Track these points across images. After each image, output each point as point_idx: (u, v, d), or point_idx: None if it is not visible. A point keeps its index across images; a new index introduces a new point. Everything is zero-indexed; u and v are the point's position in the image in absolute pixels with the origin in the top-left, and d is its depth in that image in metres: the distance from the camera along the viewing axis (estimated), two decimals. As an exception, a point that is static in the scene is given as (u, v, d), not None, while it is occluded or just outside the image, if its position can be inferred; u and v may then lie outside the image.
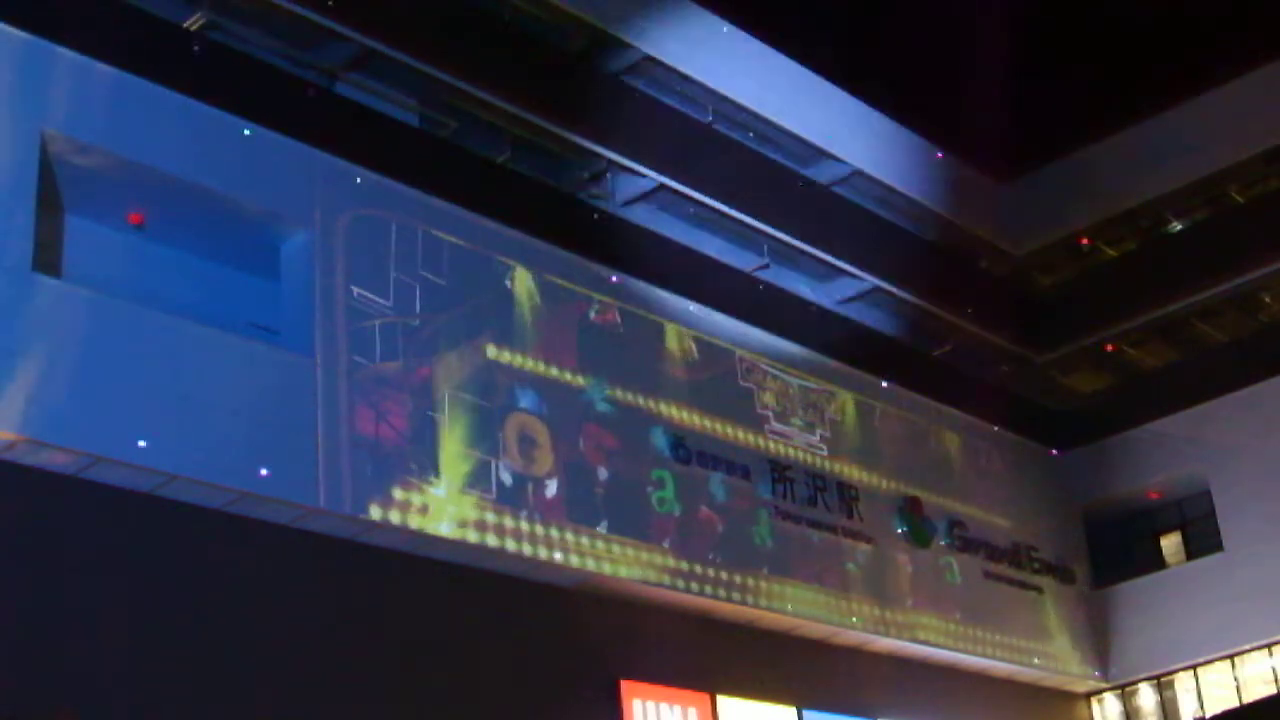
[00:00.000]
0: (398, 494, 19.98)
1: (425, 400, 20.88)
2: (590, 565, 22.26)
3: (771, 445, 26.49)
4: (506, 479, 21.50)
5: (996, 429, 32.65)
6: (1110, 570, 33.63)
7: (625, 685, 22.58)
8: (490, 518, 21.05)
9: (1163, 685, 32.12)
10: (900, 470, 29.31)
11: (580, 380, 23.36)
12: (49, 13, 18.36)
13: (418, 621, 20.29)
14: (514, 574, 21.60)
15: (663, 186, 26.92)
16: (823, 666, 26.18)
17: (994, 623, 29.82)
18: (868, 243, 30.85)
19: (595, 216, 25.95)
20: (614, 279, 24.80)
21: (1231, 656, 31.14)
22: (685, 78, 27.77)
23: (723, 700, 23.92)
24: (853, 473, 28.05)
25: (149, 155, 18.88)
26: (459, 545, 20.71)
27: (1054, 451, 34.27)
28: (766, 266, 29.49)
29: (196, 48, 20.26)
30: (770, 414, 26.82)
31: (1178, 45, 33.35)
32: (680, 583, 23.57)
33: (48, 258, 18.22)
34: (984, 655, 29.26)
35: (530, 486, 21.78)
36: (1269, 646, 30.81)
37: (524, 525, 21.42)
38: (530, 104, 24.61)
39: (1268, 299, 33.76)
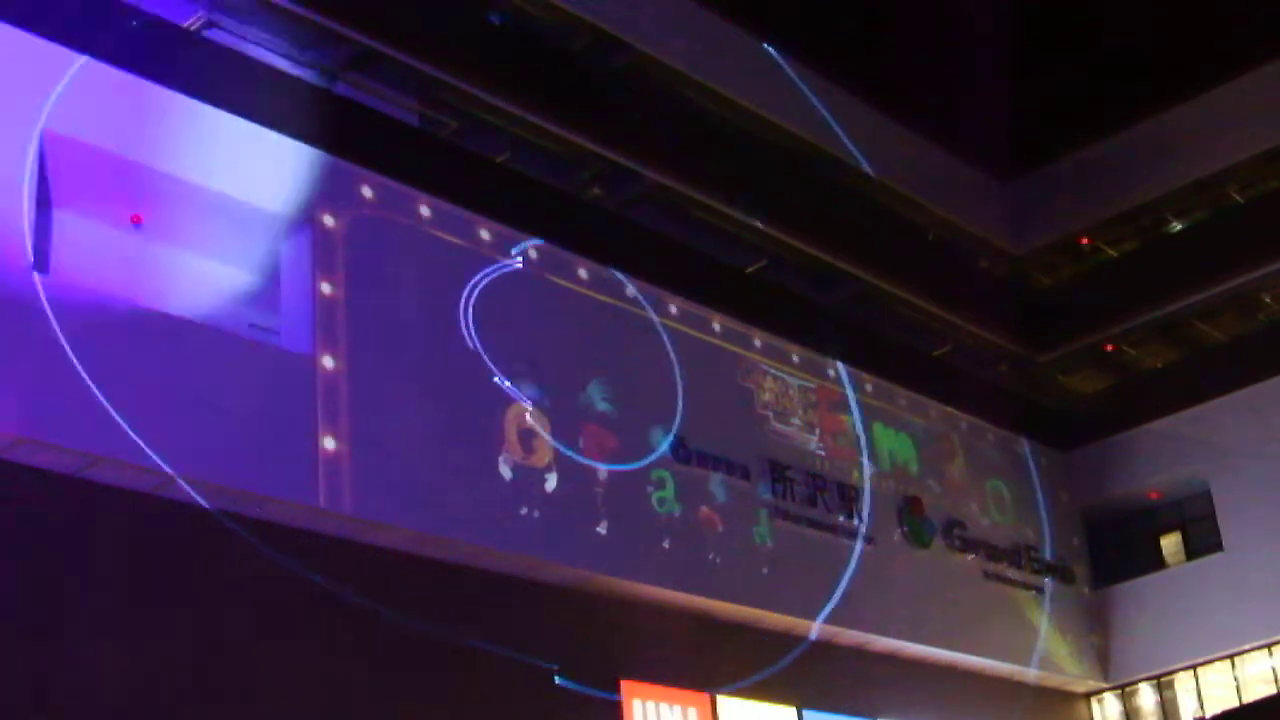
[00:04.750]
0: (398, 493, 19.97)
1: (426, 398, 20.88)
2: (590, 565, 22.25)
3: (771, 445, 26.49)
4: (506, 473, 21.51)
5: (996, 429, 32.64)
6: (1110, 570, 33.63)
7: (625, 685, 22.58)
8: (491, 516, 21.05)
9: (1163, 685, 32.12)
10: (900, 470, 29.31)
11: (581, 379, 23.36)
12: (49, 13, 18.37)
13: (418, 621, 20.27)
14: (514, 574, 21.60)
15: (663, 186, 26.95)
16: (823, 666, 26.17)
17: (994, 623, 29.82)
18: (867, 242, 30.84)
19: (595, 216, 25.99)
20: (615, 278, 24.80)
21: (1231, 656, 31.14)
22: (685, 77, 27.80)
23: (723, 700, 23.92)
24: (853, 473, 28.04)
25: (149, 155, 18.89)
26: (459, 545, 20.72)
27: (1054, 451, 34.29)
28: (766, 266, 29.53)
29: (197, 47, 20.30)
30: (770, 414, 26.82)
31: (1178, 45, 33.36)
32: (680, 583, 23.57)
33: (47, 257, 18.21)
34: (984, 655, 29.25)
35: (530, 480, 21.78)
36: (1269, 646, 30.82)
37: (524, 525, 21.41)
38: (530, 104, 24.62)
39: (1268, 299, 33.78)
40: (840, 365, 28.91)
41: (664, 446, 24.23)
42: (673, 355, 25.38)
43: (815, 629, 26.19)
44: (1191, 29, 33.21)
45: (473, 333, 21.94)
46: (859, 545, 27.30)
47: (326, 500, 19.16)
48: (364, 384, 20.07)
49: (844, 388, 28.83)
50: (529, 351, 22.65)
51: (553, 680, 21.55)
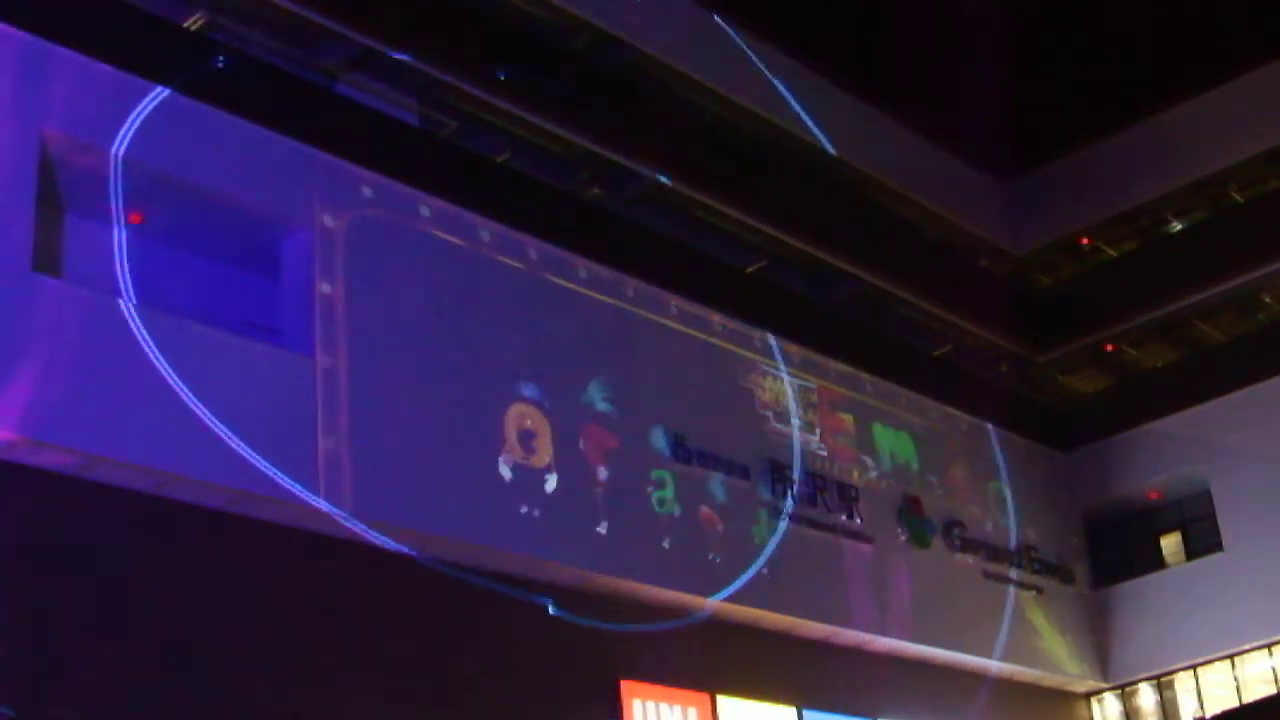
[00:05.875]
0: (398, 494, 19.97)
1: (426, 398, 20.87)
2: (590, 565, 22.25)
3: (771, 445, 26.48)
4: (506, 474, 21.51)
5: (996, 429, 32.64)
6: (1110, 570, 33.61)
7: (625, 685, 22.58)
8: (490, 516, 21.05)
9: (1163, 685, 32.12)
10: (900, 470, 29.30)
11: (581, 379, 23.35)
12: (49, 13, 18.38)
13: (418, 621, 20.28)
14: (513, 574, 21.60)
15: (663, 186, 26.94)
16: (823, 666, 26.17)
17: (994, 623, 29.81)
18: (867, 242, 30.84)
19: (595, 216, 25.98)
20: (615, 277, 24.79)
21: (1231, 656, 31.14)
22: (685, 77, 27.79)
23: (723, 700, 23.91)
24: (853, 473, 28.04)
25: (149, 155, 18.89)
26: (459, 545, 20.71)
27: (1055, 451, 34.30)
28: (766, 266, 29.52)
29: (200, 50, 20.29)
30: (770, 414, 26.81)
31: (1178, 45, 33.36)
32: (680, 583, 23.55)
33: (48, 258, 18.23)
34: (984, 655, 29.25)
35: (530, 481, 21.78)
36: (1269, 646, 30.81)
37: (524, 525, 21.41)
38: (530, 104, 24.61)
39: (1268, 299, 33.77)
40: (839, 364, 28.80)
41: (664, 446, 24.24)
42: (673, 354, 25.35)
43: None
44: (1191, 29, 33.21)
45: (474, 331, 21.90)
46: (859, 545, 27.27)
47: (326, 500, 19.15)
48: (364, 384, 20.07)
49: (843, 387, 28.75)
50: (529, 351, 22.68)
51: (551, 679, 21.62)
